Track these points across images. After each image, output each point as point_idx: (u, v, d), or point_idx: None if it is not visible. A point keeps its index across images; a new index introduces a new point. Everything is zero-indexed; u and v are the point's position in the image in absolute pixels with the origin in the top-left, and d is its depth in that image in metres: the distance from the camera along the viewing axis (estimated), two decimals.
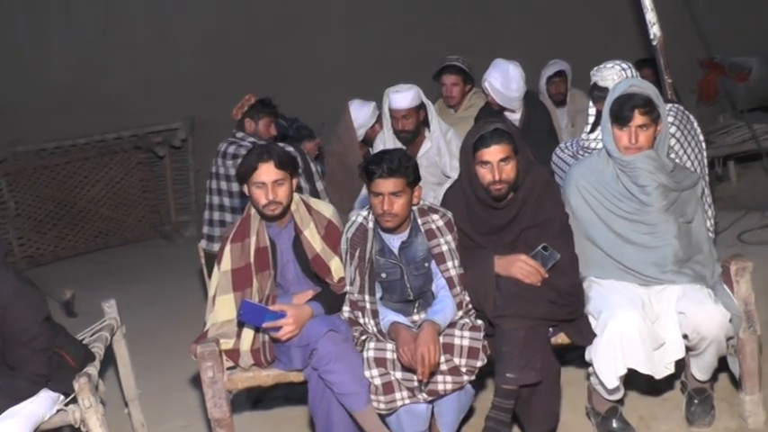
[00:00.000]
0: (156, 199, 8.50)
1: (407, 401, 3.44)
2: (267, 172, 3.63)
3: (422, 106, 5.13)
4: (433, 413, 3.54)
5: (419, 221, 3.71)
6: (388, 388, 3.42)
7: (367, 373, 3.42)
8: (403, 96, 5.05)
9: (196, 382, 4.72)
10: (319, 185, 5.05)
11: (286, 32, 8.99)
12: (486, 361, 3.53)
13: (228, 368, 3.72)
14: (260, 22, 8.96)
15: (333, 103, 5.95)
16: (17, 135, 8.73)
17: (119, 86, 8.78)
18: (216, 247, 4.90)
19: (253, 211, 3.78)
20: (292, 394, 4.30)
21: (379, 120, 5.46)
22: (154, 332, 5.64)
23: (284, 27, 8.99)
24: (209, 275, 4.59)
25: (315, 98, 7.70)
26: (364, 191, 5.05)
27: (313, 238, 3.74)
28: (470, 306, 3.65)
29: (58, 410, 3.61)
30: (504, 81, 5.43)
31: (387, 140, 5.12)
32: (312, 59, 8.87)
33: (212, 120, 8.40)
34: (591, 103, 4.53)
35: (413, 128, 5.09)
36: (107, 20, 8.92)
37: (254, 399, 4.55)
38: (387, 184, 3.54)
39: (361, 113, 5.49)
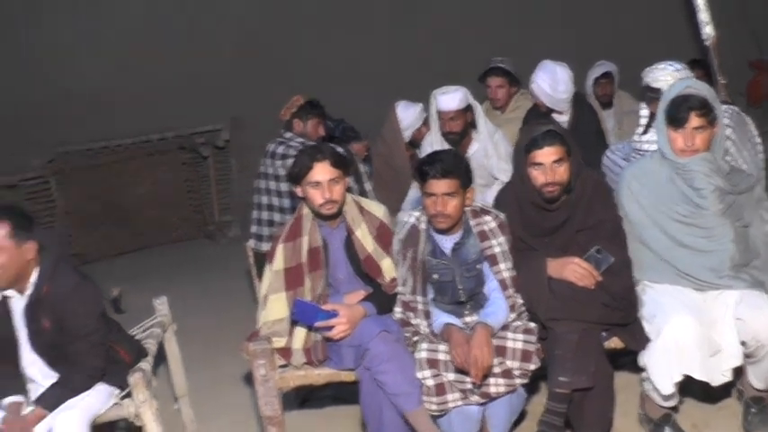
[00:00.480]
0: (199, 199, 8.56)
1: (459, 403, 3.42)
2: (323, 171, 3.65)
3: (469, 108, 5.12)
4: (484, 415, 3.53)
5: (471, 223, 3.69)
6: (440, 389, 3.40)
7: (419, 374, 3.41)
8: (450, 98, 5.04)
9: (245, 379, 4.78)
10: (367, 186, 5.06)
11: (329, 33, 9.00)
12: (539, 364, 3.50)
13: (280, 366, 3.73)
14: (302, 23, 8.99)
15: (377, 105, 5.95)
16: (65, 135, 8.83)
17: (163, 87, 8.84)
18: (264, 246, 4.93)
19: (305, 210, 3.79)
20: (341, 394, 4.32)
21: (425, 121, 5.45)
22: (200, 330, 5.66)
23: (327, 27, 9.01)
24: (258, 275, 4.62)
25: (358, 99, 7.71)
26: (413, 192, 5.07)
27: (365, 239, 3.75)
28: (523, 308, 3.62)
29: (114, 404, 3.66)
30: (552, 82, 5.39)
31: (434, 142, 5.11)
32: (355, 60, 8.88)
33: (255, 120, 8.44)
34: (644, 105, 4.49)
35: (460, 129, 5.07)
36: (149, 22, 9.00)
37: (302, 398, 4.56)
38: (440, 185, 3.54)
39: (407, 115, 5.48)
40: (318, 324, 3.56)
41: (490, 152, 5.13)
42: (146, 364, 3.84)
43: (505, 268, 3.64)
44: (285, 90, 5.74)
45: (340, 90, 7.56)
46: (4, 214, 3.48)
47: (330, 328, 3.55)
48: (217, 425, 4.53)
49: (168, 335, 4.37)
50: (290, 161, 4.95)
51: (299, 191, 3.75)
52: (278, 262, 3.74)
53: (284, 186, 5.01)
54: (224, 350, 5.22)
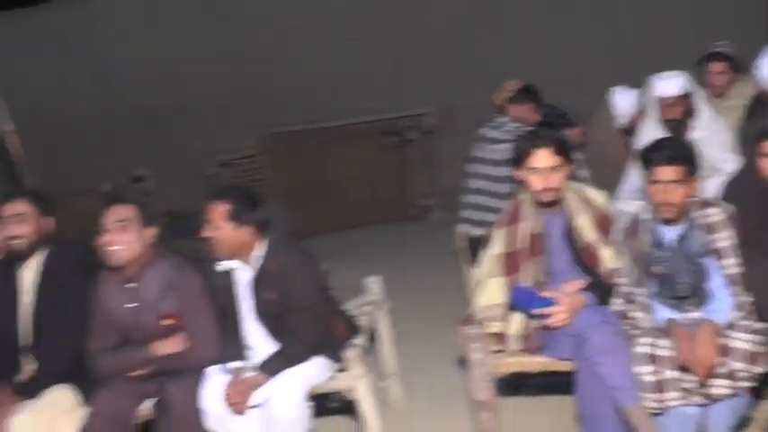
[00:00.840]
0: (404, 182, 8.68)
1: (679, 402, 3.29)
2: (543, 157, 3.62)
3: (689, 94, 4.90)
4: (704, 418, 3.38)
5: (697, 214, 3.54)
6: (659, 386, 3.29)
7: (638, 370, 3.32)
8: (671, 83, 4.85)
9: (454, 361, 4.78)
10: (583, 173, 4.97)
11: (539, 18, 8.89)
12: (767, 368, 3.31)
13: (493, 352, 3.74)
14: (513, 8, 8.92)
15: (592, 91, 5.81)
16: (274, 116, 9.23)
17: (370, 72, 9.05)
18: (475, 230, 4.96)
19: (525, 195, 3.77)
20: (554, 383, 4.23)
21: (641, 109, 5.27)
22: (405, 310, 5.69)
23: (537, 12, 8.90)
24: (470, 259, 4.65)
25: (572, 85, 7.55)
26: (630, 180, 4.92)
27: (586, 227, 3.68)
28: (751, 307, 3.44)
29: (330, 377, 3.80)
30: None
31: (651, 129, 4.93)
32: (568, 45, 8.71)
33: (462, 105, 8.49)
34: None
35: (680, 116, 4.86)
36: (359, 7, 9.21)
37: (514, 384, 4.53)
38: (667, 172, 3.42)
39: (623, 101, 5.33)
40: (536, 311, 3.54)
41: (711, 141, 4.89)
42: (360, 340, 3.97)
43: (733, 264, 3.46)
44: (494, 75, 5.73)
45: (553, 75, 7.43)
46: (227, 195, 3.69)
47: (548, 315, 3.51)
48: (423, 405, 4.61)
49: (381, 314, 4.48)
50: (503, 146, 4.97)
51: (518, 175, 3.74)
52: (496, 246, 3.75)
53: (495, 171, 5.01)
54: (431, 331, 5.31)
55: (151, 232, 3.76)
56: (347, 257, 7.38)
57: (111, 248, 3.69)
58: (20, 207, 3.89)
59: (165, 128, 9.07)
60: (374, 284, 4.55)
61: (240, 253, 3.72)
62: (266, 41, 9.30)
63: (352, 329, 4.03)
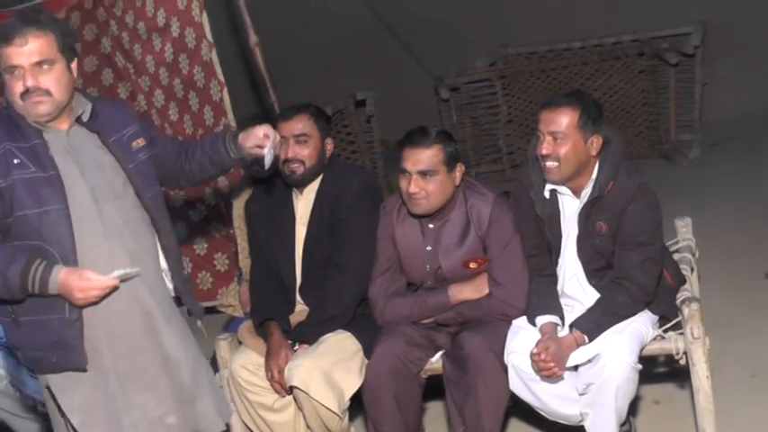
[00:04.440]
0: (656, 113, 7.93)
1: None
2: None
3: None
4: None
5: None
6: None
7: None
8: None
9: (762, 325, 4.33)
10: None
11: None
12: None
13: None
14: None
15: None
16: (508, 37, 8.72)
17: None
18: None
19: None
20: None
21: None
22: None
23: None
24: None
25: None
26: None
27: None
28: None
29: (656, 336, 3.36)
30: None
31: None
32: None
33: (728, 24, 7.77)
34: None
35: None
36: None
37: None
38: None
39: None
40: None
41: None
42: (689, 294, 3.47)
43: None
44: None
45: None
46: (575, 100, 3.26)
47: None
48: (731, 376, 4.00)
49: (691, 262, 3.96)
50: None
51: None
52: None
53: None
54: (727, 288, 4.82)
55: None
56: None
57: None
58: (300, 125, 3.63)
59: (390, 47, 8.71)
60: (685, 227, 4.02)
61: (579, 174, 3.29)
62: None
63: (680, 279, 3.54)
